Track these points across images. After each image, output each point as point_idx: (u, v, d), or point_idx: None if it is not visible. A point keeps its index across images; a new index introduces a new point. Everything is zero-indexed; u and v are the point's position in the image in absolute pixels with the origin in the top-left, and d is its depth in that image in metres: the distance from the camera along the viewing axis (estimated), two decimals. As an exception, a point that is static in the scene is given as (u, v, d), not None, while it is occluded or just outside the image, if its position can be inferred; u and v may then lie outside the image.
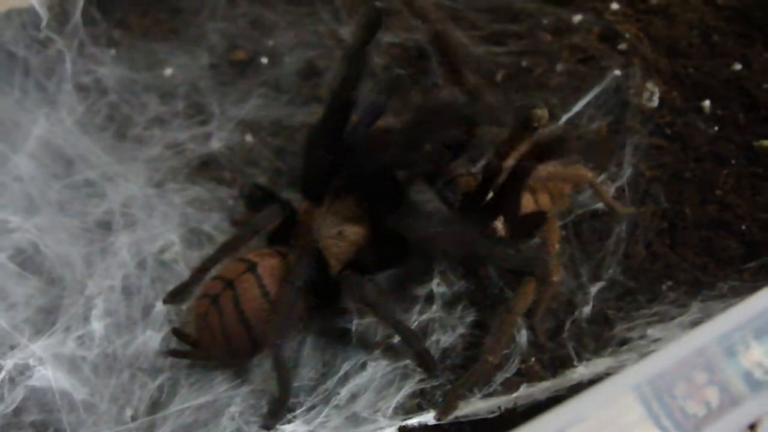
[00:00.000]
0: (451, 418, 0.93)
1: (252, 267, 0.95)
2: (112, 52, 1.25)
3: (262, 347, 0.95)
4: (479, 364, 0.93)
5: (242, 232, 1.00)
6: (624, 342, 0.94)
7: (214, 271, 0.99)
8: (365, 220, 0.99)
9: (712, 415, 0.85)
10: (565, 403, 0.74)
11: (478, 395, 0.96)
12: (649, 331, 0.92)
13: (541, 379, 0.95)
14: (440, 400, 0.96)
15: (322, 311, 1.02)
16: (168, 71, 1.25)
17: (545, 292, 0.98)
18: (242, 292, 0.94)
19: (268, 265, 0.96)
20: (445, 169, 1.04)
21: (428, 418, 0.94)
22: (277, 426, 0.95)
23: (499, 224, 1.03)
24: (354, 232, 0.99)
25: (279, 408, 0.93)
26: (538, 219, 0.99)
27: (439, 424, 0.94)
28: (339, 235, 0.99)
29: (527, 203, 1.03)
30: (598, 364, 0.91)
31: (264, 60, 1.27)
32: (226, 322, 0.93)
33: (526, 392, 0.92)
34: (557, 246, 0.98)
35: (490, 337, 0.95)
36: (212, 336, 0.94)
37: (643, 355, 0.88)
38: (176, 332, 0.98)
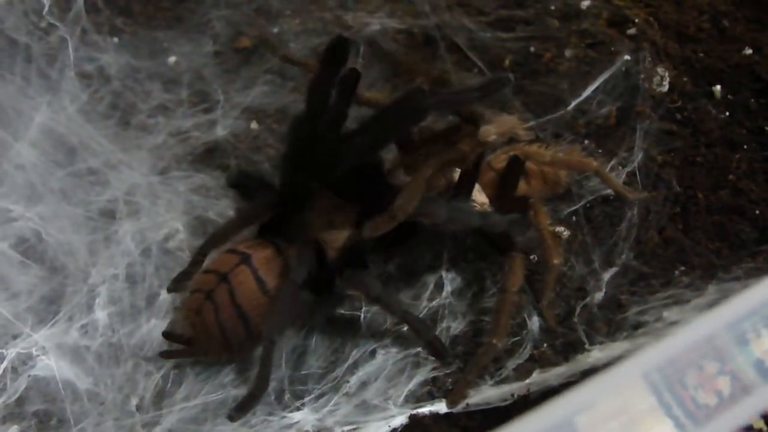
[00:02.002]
0: (462, 406, 0.92)
1: (246, 259, 0.92)
2: (115, 40, 1.23)
3: (258, 339, 0.92)
4: (484, 348, 0.92)
5: (235, 221, 0.97)
6: (639, 326, 0.93)
7: (205, 264, 0.97)
8: (353, 208, 0.97)
9: (723, 405, 0.84)
10: (572, 390, 0.72)
11: (490, 382, 0.94)
12: (665, 314, 0.90)
13: (554, 364, 0.94)
14: (452, 387, 0.94)
15: (323, 302, 0.99)
16: (172, 59, 1.23)
17: (549, 276, 0.97)
18: (238, 285, 0.91)
19: (263, 256, 0.93)
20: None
21: (439, 407, 0.93)
22: (285, 414, 0.94)
23: (480, 198, 1.02)
24: (344, 218, 0.97)
25: (249, 401, 0.89)
26: (522, 205, 0.98)
27: (450, 413, 0.93)
28: (330, 223, 0.96)
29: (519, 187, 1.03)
30: (614, 348, 0.90)
31: (269, 47, 1.25)
32: (223, 317, 0.90)
33: (539, 378, 0.91)
34: (551, 229, 0.97)
35: (491, 321, 0.94)
36: (208, 332, 0.91)
37: (659, 339, 0.86)
38: (167, 335, 0.95)
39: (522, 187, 1.04)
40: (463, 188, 0.99)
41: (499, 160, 1.06)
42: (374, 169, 0.96)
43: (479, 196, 1.04)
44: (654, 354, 0.78)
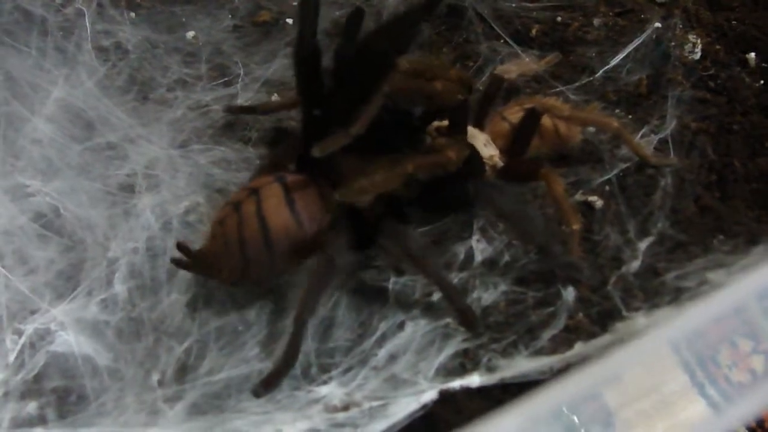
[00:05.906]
0: (496, 379, 0.89)
1: (281, 177, 0.91)
2: (132, 14, 1.21)
3: (278, 272, 0.90)
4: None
5: (259, 168, 0.96)
6: (680, 291, 0.89)
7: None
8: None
9: (758, 381, 0.81)
10: (597, 361, 0.69)
11: (524, 353, 0.91)
12: (710, 276, 0.86)
13: (591, 334, 0.90)
14: (485, 360, 0.91)
15: (359, 263, 0.97)
16: (190, 34, 1.21)
17: (571, 241, 0.94)
18: (266, 197, 0.88)
19: (299, 180, 0.91)
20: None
21: (471, 381, 0.90)
22: (312, 387, 0.90)
23: (489, 150, 0.99)
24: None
25: (276, 377, 0.87)
26: (534, 172, 0.95)
27: (483, 388, 0.89)
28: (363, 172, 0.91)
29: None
30: (658, 316, 0.86)
31: (289, 21, 1.23)
32: (245, 228, 0.87)
33: (581, 350, 0.87)
34: (567, 195, 0.94)
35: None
36: (227, 245, 0.88)
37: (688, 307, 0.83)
38: (180, 246, 0.91)
39: (534, 142, 1.01)
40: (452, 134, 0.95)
41: (512, 111, 1.03)
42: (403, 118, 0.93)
43: (489, 148, 1.00)
44: (681, 323, 0.75)
